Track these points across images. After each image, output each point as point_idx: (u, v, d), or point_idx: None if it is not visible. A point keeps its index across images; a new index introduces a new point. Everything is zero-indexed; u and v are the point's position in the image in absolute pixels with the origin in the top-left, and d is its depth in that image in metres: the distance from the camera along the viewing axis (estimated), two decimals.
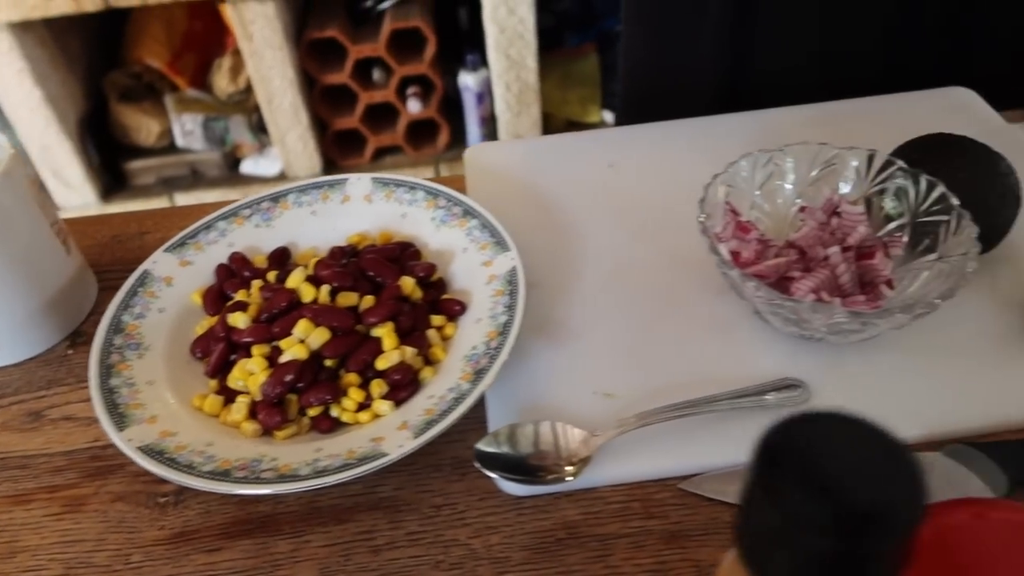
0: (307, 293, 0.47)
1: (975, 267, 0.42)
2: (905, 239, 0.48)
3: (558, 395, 0.46)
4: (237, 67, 2.19)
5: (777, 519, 0.17)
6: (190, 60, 2.23)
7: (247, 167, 2.22)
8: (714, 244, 0.44)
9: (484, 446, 0.41)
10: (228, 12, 1.95)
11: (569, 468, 0.40)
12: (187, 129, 2.18)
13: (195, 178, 2.26)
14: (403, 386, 0.44)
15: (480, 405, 0.45)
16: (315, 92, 2.22)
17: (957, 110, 0.63)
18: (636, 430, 0.42)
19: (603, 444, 0.42)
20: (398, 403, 0.44)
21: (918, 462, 0.18)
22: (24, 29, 1.89)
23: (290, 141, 2.13)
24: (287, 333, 0.45)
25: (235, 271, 0.52)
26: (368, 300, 0.47)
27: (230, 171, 2.23)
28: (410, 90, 2.18)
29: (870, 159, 0.49)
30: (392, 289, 0.48)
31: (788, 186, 0.50)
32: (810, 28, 0.68)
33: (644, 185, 0.58)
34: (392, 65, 2.18)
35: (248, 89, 2.20)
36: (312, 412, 0.44)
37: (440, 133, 2.17)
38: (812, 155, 0.50)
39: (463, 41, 2.35)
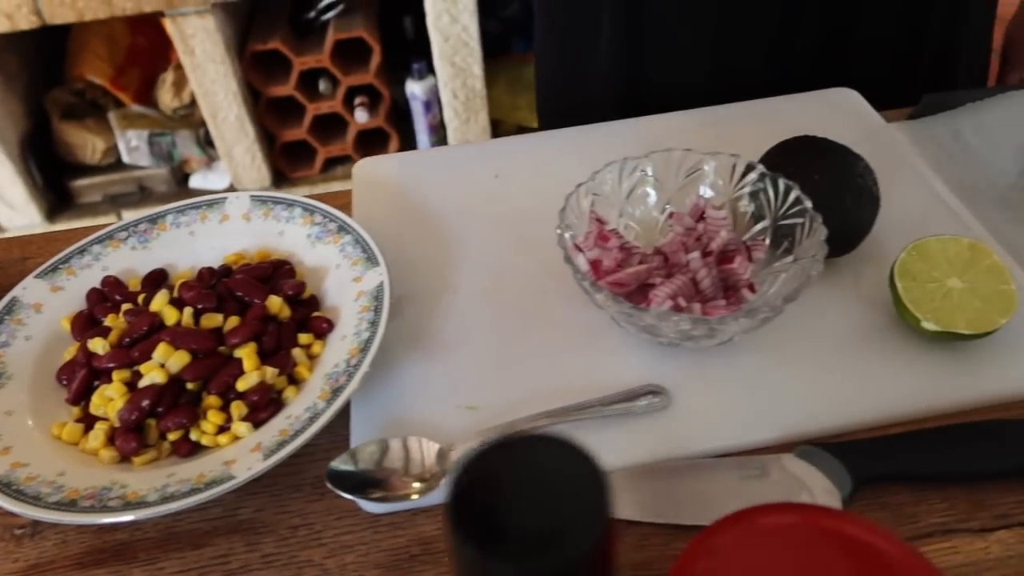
0: (170, 316, 0.47)
1: (820, 269, 0.43)
2: (767, 242, 0.48)
3: (423, 410, 0.46)
4: (181, 82, 2.17)
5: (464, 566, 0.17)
6: (134, 75, 2.21)
7: (196, 182, 2.20)
8: (568, 254, 0.45)
9: (338, 465, 0.41)
10: (169, 27, 1.93)
11: (416, 485, 0.40)
12: (132, 145, 2.16)
13: (143, 194, 2.23)
14: (262, 407, 0.44)
15: (346, 422, 0.45)
16: (261, 104, 2.20)
17: (839, 111, 0.64)
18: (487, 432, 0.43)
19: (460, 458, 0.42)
20: (257, 424, 0.44)
21: (601, 489, 0.18)
22: None
23: (238, 154, 2.11)
24: (147, 357, 0.45)
25: (107, 295, 0.51)
26: (233, 321, 0.47)
27: (179, 186, 2.21)
28: (357, 100, 2.18)
29: (733, 164, 0.50)
30: (258, 309, 0.47)
31: (652, 192, 0.50)
32: (700, 37, 0.69)
33: (525, 195, 0.58)
34: (338, 75, 2.18)
35: (193, 103, 2.18)
36: (172, 436, 0.44)
37: (390, 142, 2.17)
38: (677, 162, 0.50)
39: (409, 50, 2.35)
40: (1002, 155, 0.59)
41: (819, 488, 0.40)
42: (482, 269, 0.54)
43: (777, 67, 0.69)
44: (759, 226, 0.49)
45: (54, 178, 2.13)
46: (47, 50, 2.12)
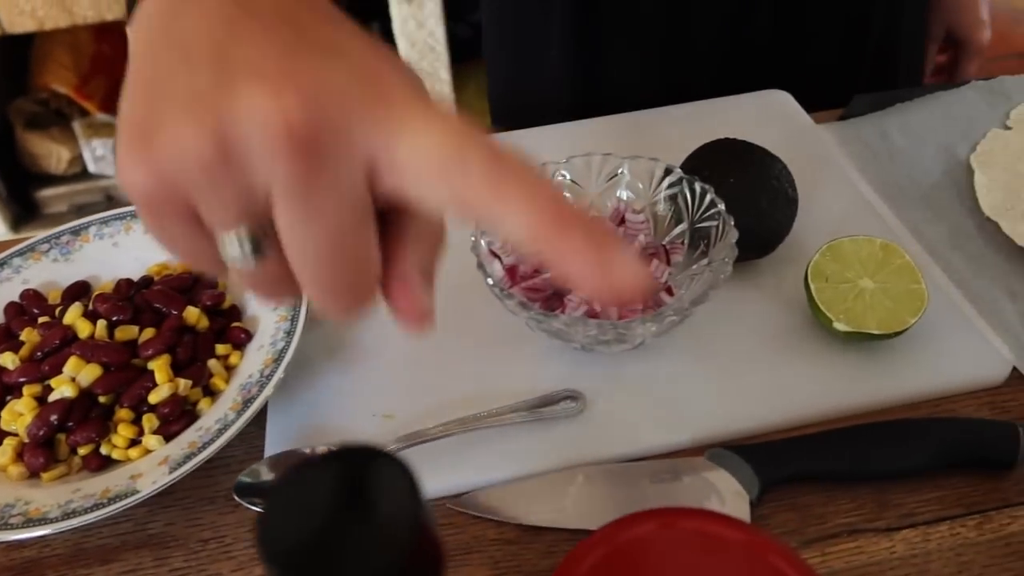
0: (83, 329, 0.46)
1: (729, 271, 0.43)
2: (685, 245, 0.49)
3: (339, 419, 0.45)
4: None
5: None
6: (99, 84, 2.19)
7: None
8: (481, 260, 0.45)
9: (245, 477, 0.41)
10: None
11: None
12: (99, 154, 2.14)
13: (110, 204, 2.22)
14: (174, 420, 0.44)
15: (263, 433, 0.45)
16: None
17: (770, 112, 0.64)
18: (410, 450, 0.42)
19: None
20: (169, 437, 0.43)
21: (414, 500, 0.18)
22: None
23: None
24: (58, 371, 0.44)
25: (25, 309, 0.51)
26: (148, 332, 0.47)
27: None
28: None
29: (652, 168, 0.50)
30: (174, 320, 0.47)
31: (570, 197, 0.50)
32: (650, 42, 0.69)
33: None
34: None
35: None
36: (82, 451, 0.43)
37: None
38: (597, 167, 0.50)
39: None
40: (926, 154, 0.59)
41: (728, 491, 0.40)
42: None
43: (727, 68, 0.69)
44: (677, 229, 0.49)
45: (19, 188, 2.11)
46: (10, 60, 2.10)
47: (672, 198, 0.49)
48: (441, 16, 2.10)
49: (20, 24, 1.82)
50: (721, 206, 0.46)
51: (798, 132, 0.62)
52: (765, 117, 0.63)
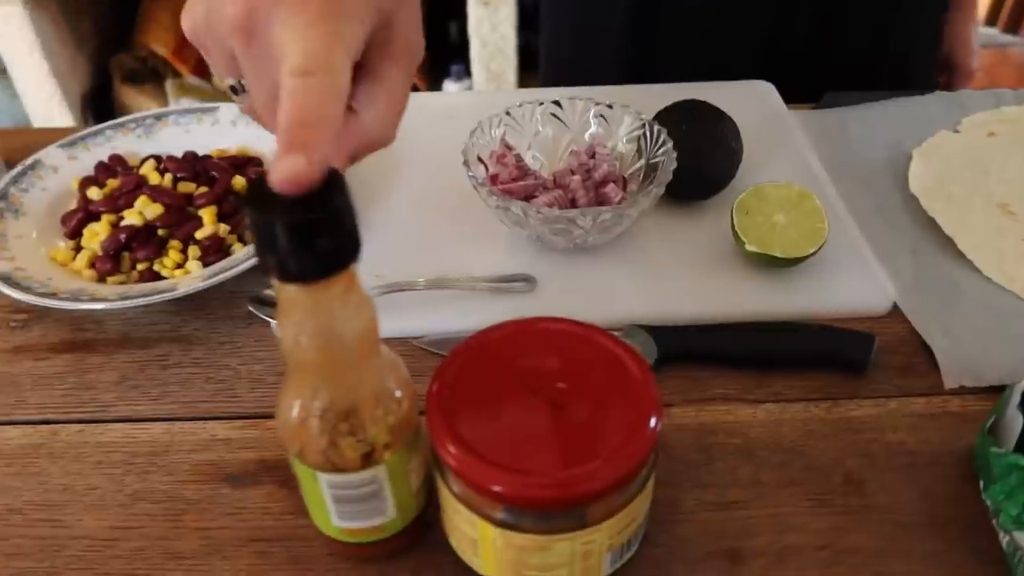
0: (154, 179, 0.59)
1: (660, 192, 0.54)
2: (640, 175, 0.59)
3: None
4: None
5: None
6: (194, 50, 2.37)
7: None
8: (467, 160, 0.56)
9: (260, 291, 0.53)
10: None
11: None
12: None
13: None
14: (212, 252, 0.56)
15: None
16: None
17: (753, 97, 0.74)
18: (391, 295, 0.53)
19: None
20: (206, 264, 0.55)
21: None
22: (37, 4, 2.04)
23: None
24: (130, 206, 0.57)
25: (110, 167, 0.63)
26: (203, 188, 0.59)
27: None
28: None
29: (623, 114, 0.60)
30: (224, 182, 0.59)
31: (553, 131, 0.61)
32: (698, 42, 0.79)
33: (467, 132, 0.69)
34: None
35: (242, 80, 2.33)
36: (140, 267, 0.56)
37: None
38: (580, 108, 0.61)
39: (450, 53, 2.48)
40: (876, 143, 0.68)
41: None
42: (419, 181, 0.65)
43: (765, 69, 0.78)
44: (637, 164, 0.59)
45: None
46: (118, 17, 2.30)
47: (635, 139, 0.60)
48: (514, 22, 2.23)
49: None
50: (669, 145, 0.56)
51: (771, 115, 0.71)
52: (747, 100, 0.73)
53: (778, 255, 0.53)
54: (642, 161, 0.59)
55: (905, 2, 0.79)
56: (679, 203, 0.61)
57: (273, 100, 0.32)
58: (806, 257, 0.54)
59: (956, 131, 0.70)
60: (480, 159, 0.58)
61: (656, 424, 0.36)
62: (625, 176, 0.59)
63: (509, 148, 0.60)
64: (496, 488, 0.34)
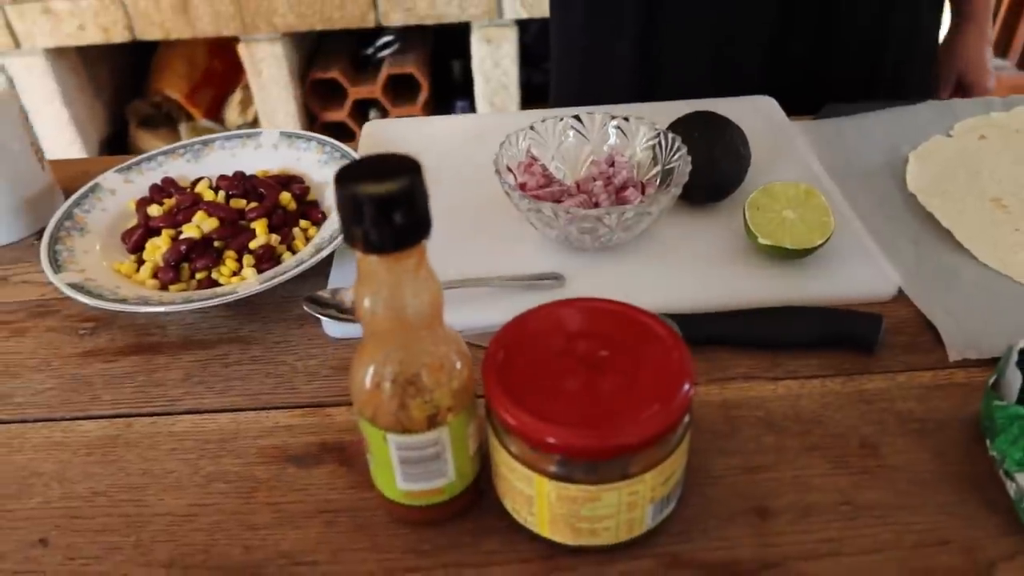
0: (208, 196, 0.64)
1: (677, 192, 0.58)
2: (657, 180, 0.64)
3: None
4: (247, 101, 2.41)
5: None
6: (207, 94, 2.46)
7: None
8: (498, 168, 0.60)
9: (316, 293, 0.57)
10: (241, 50, 2.17)
11: None
12: None
13: None
14: (265, 260, 0.60)
15: (325, 282, 0.61)
16: (316, 127, 2.42)
17: (757, 110, 0.79)
18: None
19: None
20: (260, 272, 0.60)
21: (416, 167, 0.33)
22: (59, 55, 2.12)
23: None
24: (188, 220, 0.62)
25: (164, 188, 0.68)
26: (254, 204, 0.64)
27: None
28: None
29: (639, 125, 0.65)
30: (272, 198, 0.64)
31: (576, 141, 0.66)
32: (702, 58, 0.85)
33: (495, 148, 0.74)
34: (388, 107, 2.39)
35: (255, 122, 2.41)
36: (199, 276, 0.60)
37: None
38: (600, 121, 0.66)
39: (454, 89, 2.56)
40: (874, 148, 0.73)
41: None
42: (452, 194, 0.69)
43: (766, 84, 0.84)
44: (654, 170, 0.64)
45: None
46: (134, 65, 2.39)
47: (650, 148, 0.65)
48: (516, 59, 2.30)
49: (149, 32, 2.08)
50: (684, 151, 0.61)
51: (774, 126, 0.77)
52: (751, 113, 0.78)
53: (789, 246, 0.58)
54: (658, 167, 0.64)
55: (898, 15, 0.84)
56: (694, 206, 0.66)
57: None
58: (815, 248, 0.58)
59: (949, 135, 0.75)
60: (509, 168, 0.63)
61: (689, 388, 0.40)
62: (643, 181, 0.64)
63: (535, 159, 0.65)
64: (551, 440, 0.38)
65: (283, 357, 0.56)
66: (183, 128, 2.44)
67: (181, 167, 0.71)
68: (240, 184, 0.65)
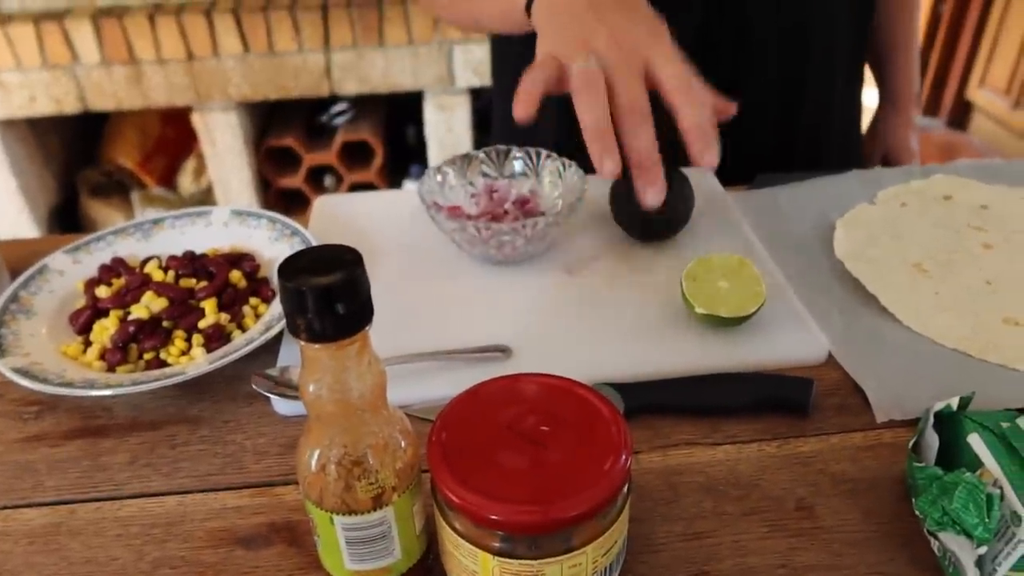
0: (157, 276, 0.64)
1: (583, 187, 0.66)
2: (560, 204, 0.72)
3: None
4: (200, 168, 2.42)
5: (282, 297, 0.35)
6: (160, 162, 2.46)
7: None
8: (423, 199, 0.67)
9: (265, 371, 0.58)
10: (195, 119, 2.19)
11: None
12: None
13: None
14: (214, 339, 0.61)
15: (274, 359, 0.62)
16: (271, 194, 2.43)
17: (694, 177, 0.83)
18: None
19: None
20: (209, 351, 0.60)
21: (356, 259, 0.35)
22: (8, 126, 2.11)
23: None
24: (137, 301, 0.62)
25: (113, 268, 0.69)
26: (203, 283, 0.64)
27: None
28: None
29: (536, 153, 0.75)
30: (222, 276, 0.65)
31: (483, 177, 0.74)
32: None
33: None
34: (343, 173, 2.42)
35: (210, 189, 2.41)
36: (147, 356, 0.60)
37: None
38: (502, 155, 0.75)
39: (409, 154, 2.60)
40: (804, 216, 0.77)
41: None
42: (402, 266, 0.71)
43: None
44: (557, 192, 0.73)
45: None
46: (85, 134, 2.38)
47: (553, 171, 0.73)
48: (469, 124, 2.35)
49: (101, 103, 2.09)
50: (577, 175, 0.70)
51: (709, 194, 0.80)
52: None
53: (723, 315, 0.60)
54: (560, 189, 0.73)
55: (809, 105, 0.90)
56: (643, 245, 0.72)
57: (637, 102, 0.57)
58: (748, 316, 0.61)
59: (873, 203, 0.79)
60: (435, 201, 0.71)
61: (627, 459, 0.42)
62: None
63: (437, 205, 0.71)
64: (494, 516, 0.39)
65: (232, 436, 0.57)
66: (135, 196, 2.43)
67: (131, 246, 0.72)
68: (190, 263, 0.66)
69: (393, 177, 2.54)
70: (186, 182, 2.44)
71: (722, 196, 0.80)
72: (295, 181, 2.41)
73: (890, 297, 0.66)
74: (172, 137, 2.48)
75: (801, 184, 0.82)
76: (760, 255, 0.72)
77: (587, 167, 0.71)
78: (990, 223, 0.76)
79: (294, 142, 2.37)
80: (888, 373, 0.59)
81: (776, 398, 0.56)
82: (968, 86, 2.91)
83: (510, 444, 0.42)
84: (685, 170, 0.72)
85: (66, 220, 2.37)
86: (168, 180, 2.48)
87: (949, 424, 0.46)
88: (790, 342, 0.62)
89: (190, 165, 2.43)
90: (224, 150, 2.25)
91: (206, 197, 2.43)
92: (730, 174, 0.84)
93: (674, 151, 0.67)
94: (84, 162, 2.45)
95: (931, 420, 0.46)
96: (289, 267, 0.35)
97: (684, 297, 0.62)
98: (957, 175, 0.84)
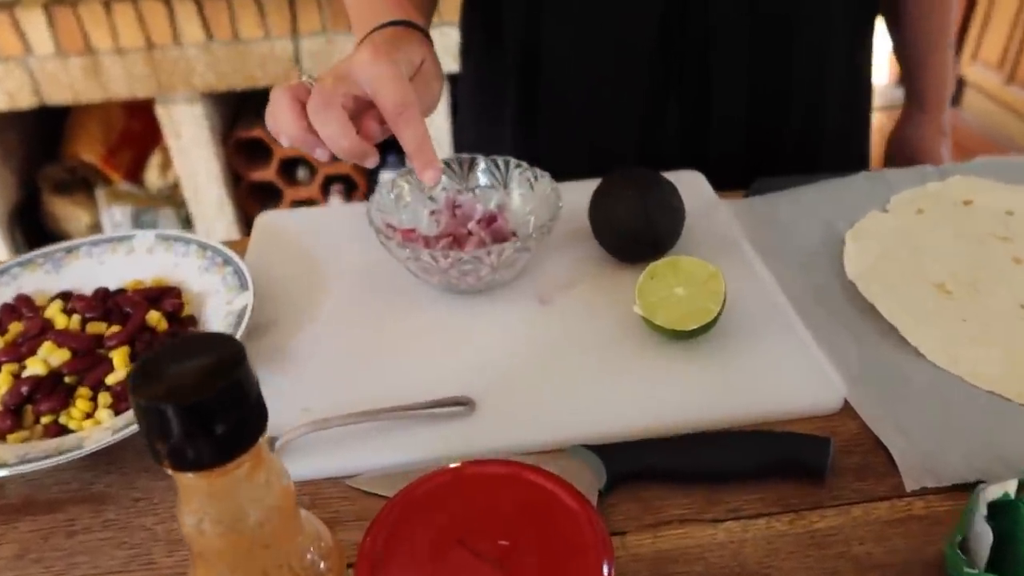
0: (60, 321, 0.55)
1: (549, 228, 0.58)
2: (533, 218, 0.64)
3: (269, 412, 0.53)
4: (167, 162, 2.30)
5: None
6: (125, 156, 2.34)
7: None
8: (375, 226, 0.59)
9: None
10: (159, 112, 2.08)
11: None
12: (116, 220, 2.27)
13: None
14: (124, 398, 0.52)
15: None
16: (242, 188, 2.33)
17: (683, 185, 0.73)
18: (318, 434, 0.50)
19: (283, 447, 0.49)
20: (118, 412, 0.51)
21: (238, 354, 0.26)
22: None
23: (217, 233, 2.22)
24: (33, 353, 0.53)
25: (16, 309, 0.59)
26: (115, 328, 0.55)
27: None
28: (334, 187, 2.31)
29: (503, 162, 0.66)
30: (138, 319, 0.55)
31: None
32: (579, 145, 0.81)
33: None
34: (316, 164, 2.32)
35: (177, 184, 2.30)
36: (45, 420, 0.51)
37: None
38: (464, 165, 0.67)
39: (385, 143, 2.49)
40: (809, 227, 0.68)
41: (582, 481, 0.47)
42: (344, 300, 0.62)
43: (648, 147, 0.80)
44: (529, 206, 0.64)
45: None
46: (45, 129, 2.27)
47: (523, 182, 0.66)
48: (448, 114, 2.25)
49: (58, 96, 1.97)
50: (551, 187, 0.62)
51: (705, 203, 0.71)
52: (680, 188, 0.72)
53: (657, 323, 0.53)
54: (532, 204, 0.64)
55: (797, 81, 0.81)
56: (628, 267, 0.63)
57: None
58: (686, 333, 0.53)
59: (885, 210, 0.70)
60: (388, 224, 0.62)
61: (609, 570, 0.33)
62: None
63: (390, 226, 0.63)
64: None
65: (142, 520, 0.48)
66: (100, 193, 2.32)
67: (39, 280, 0.62)
68: (100, 304, 0.56)
69: (369, 168, 2.44)
70: (153, 176, 2.33)
71: (716, 205, 0.71)
72: (267, 174, 2.30)
73: (911, 327, 0.57)
74: (138, 130, 2.36)
75: (803, 190, 0.73)
76: (761, 275, 0.63)
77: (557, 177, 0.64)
78: (1017, 232, 0.67)
79: (264, 133, 2.26)
80: (914, 424, 0.50)
81: (786, 461, 0.48)
82: (960, 61, 2.82)
83: (462, 566, 0.33)
84: (673, 176, 0.64)
85: (28, 220, 2.26)
86: (135, 175, 2.37)
87: (1005, 512, 0.37)
88: (799, 386, 0.53)
89: (156, 159, 2.32)
90: (190, 143, 2.14)
91: (174, 192, 2.33)
92: (722, 180, 0.75)
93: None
94: (45, 158, 2.33)
95: (983, 510, 0.38)
96: (145, 376, 0.26)
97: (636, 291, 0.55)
98: (976, 175, 0.75)
